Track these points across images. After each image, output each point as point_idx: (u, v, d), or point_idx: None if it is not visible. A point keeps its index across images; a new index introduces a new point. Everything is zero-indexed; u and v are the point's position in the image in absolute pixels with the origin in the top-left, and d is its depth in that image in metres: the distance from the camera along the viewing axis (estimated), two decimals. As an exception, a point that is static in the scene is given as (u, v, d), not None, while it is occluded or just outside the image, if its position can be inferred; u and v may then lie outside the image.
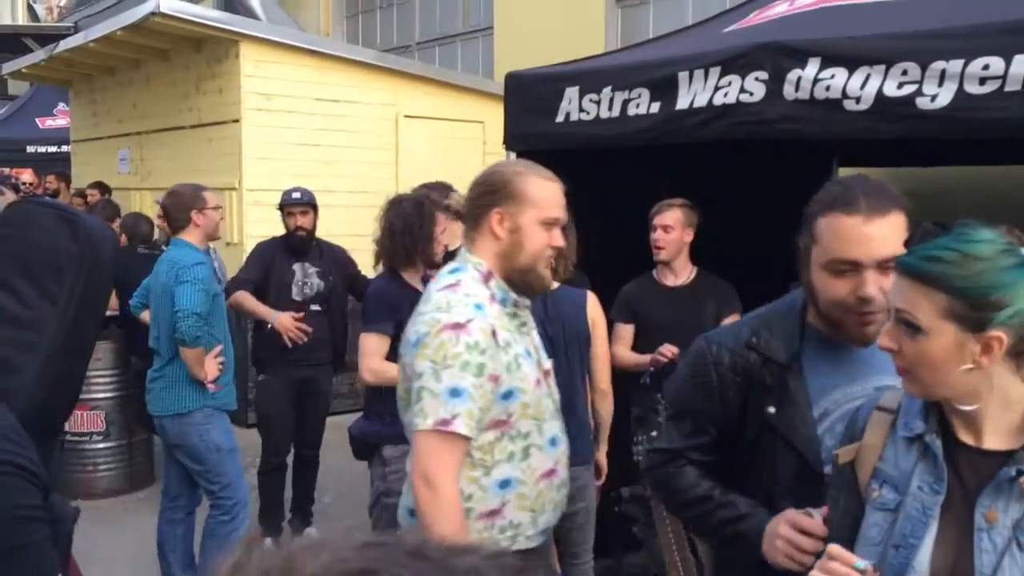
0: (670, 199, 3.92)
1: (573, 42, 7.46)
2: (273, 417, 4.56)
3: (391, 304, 3.44)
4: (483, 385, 1.92)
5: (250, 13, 9.82)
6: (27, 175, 11.58)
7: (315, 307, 4.59)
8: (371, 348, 3.36)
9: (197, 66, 6.81)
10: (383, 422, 3.44)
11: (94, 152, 8.81)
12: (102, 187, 8.00)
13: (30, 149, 12.11)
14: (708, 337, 1.94)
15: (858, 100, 2.90)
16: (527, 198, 2.03)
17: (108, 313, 5.43)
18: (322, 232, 6.37)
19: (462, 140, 7.38)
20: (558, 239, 2.08)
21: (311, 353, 4.50)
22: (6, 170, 11.88)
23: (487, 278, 2.04)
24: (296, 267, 4.61)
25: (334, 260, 4.78)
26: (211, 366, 3.70)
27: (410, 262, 3.57)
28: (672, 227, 3.88)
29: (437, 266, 3.57)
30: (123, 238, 5.30)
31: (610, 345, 3.47)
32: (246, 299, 4.41)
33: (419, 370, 1.92)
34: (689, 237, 3.86)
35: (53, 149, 11.77)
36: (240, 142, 6.36)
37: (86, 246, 1.44)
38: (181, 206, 3.80)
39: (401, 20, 10.76)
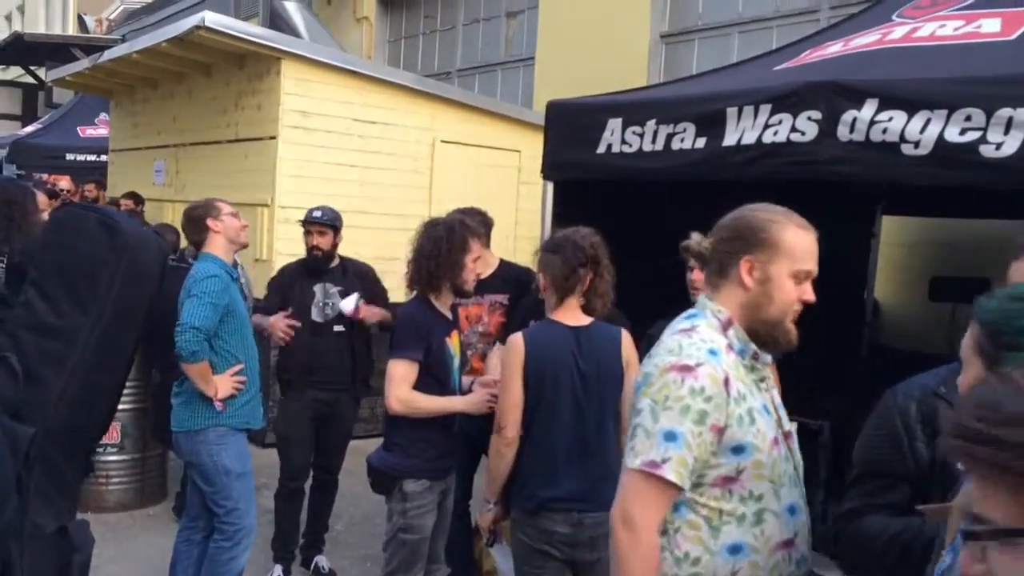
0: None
1: (616, 76, 7.39)
2: (292, 440, 4.45)
3: (420, 330, 3.33)
4: (702, 434, 1.79)
5: (294, 32, 9.91)
6: (64, 182, 11.64)
7: (338, 328, 4.49)
8: (399, 375, 3.25)
9: (238, 82, 6.82)
10: (405, 453, 3.33)
11: (130, 162, 8.85)
12: (136, 197, 8.01)
13: (69, 157, 12.21)
14: (894, 388, 1.86)
15: (916, 144, 2.78)
16: (781, 247, 1.90)
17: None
18: (353, 254, 6.32)
19: (498, 168, 7.31)
20: (809, 293, 1.93)
21: (333, 375, 4.40)
22: (44, 176, 12.00)
23: (726, 326, 1.92)
24: (317, 288, 4.51)
25: (358, 278, 4.68)
26: (225, 384, 3.59)
27: (436, 287, 3.47)
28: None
29: (467, 295, 3.49)
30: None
31: None
32: (253, 318, 4.30)
33: (639, 407, 1.85)
34: None
35: (92, 158, 11.86)
36: (275, 159, 6.33)
37: (123, 253, 1.35)
38: (194, 220, 3.74)
39: (443, 47, 10.79)
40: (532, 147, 7.35)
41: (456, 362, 3.43)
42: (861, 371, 5.45)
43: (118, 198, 8.37)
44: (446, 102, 7.03)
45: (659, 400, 1.81)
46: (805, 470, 4.73)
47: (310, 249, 4.51)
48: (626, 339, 3.04)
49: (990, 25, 3.09)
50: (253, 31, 6.49)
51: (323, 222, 4.57)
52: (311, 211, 4.62)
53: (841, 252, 5.50)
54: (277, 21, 10.49)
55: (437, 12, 10.86)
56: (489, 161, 7.27)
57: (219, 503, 3.62)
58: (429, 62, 10.95)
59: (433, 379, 3.34)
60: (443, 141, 6.98)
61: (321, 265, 4.51)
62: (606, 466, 2.81)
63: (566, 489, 2.86)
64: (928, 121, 2.75)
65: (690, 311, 2.00)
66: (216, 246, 3.71)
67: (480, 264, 3.49)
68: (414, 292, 3.47)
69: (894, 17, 3.53)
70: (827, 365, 5.03)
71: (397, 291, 6.37)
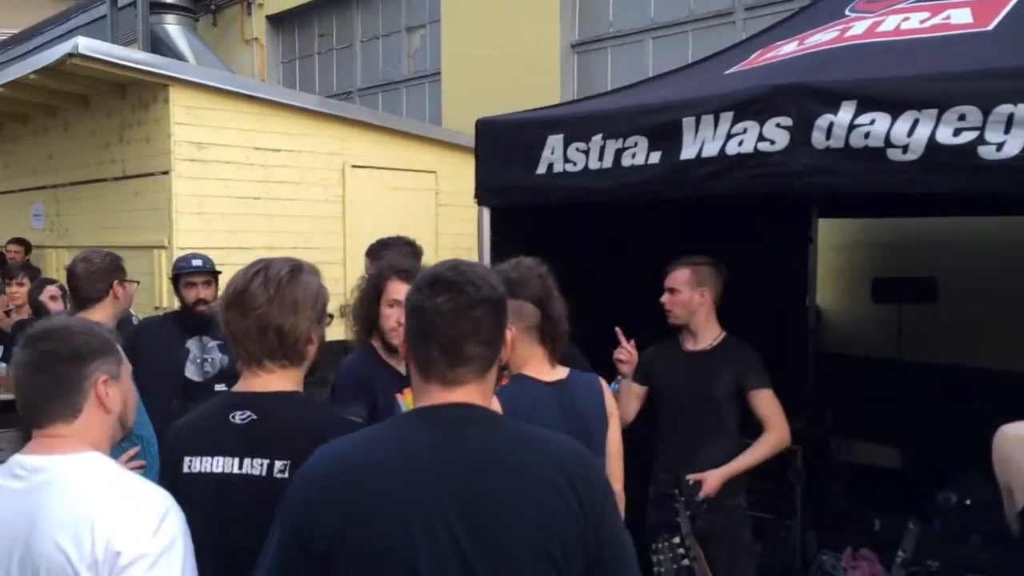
0: (683, 257, 3.49)
1: (527, 88, 7.11)
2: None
3: (360, 383, 2.94)
4: None
5: (179, 57, 9.25)
6: (-69, 231, 10.65)
7: (220, 386, 3.93)
8: None
9: (121, 113, 6.19)
10: None
11: (5, 206, 8.04)
12: (25, 244, 7.27)
13: (-64, 202, 11.18)
14: None
15: (905, 149, 2.52)
16: None
17: (5, 397, 4.75)
18: (263, 294, 5.83)
19: (414, 191, 6.88)
20: None
21: None
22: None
23: None
24: (191, 343, 3.98)
25: None
26: None
27: (377, 338, 3.06)
28: (679, 289, 3.46)
29: (393, 348, 2.96)
30: (28, 310, 4.64)
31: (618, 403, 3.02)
32: None
33: None
34: (703, 299, 3.43)
35: (-38, 202, 10.87)
36: (170, 195, 5.74)
37: None
38: (95, 275, 3.20)
39: (341, 66, 10.29)
40: (448, 166, 6.98)
41: None
42: (810, 382, 5.26)
43: (2, 245, 7.60)
44: (354, 124, 6.57)
45: None
46: (777, 499, 4.39)
47: (193, 303, 3.97)
48: (605, 388, 2.68)
49: (960, 16, 2.87)
50: (135, 56, 5.89)
51: (207, 270, 4.05)
52: (188, 259, 4.06)
53: (779, 259, 5.35)
54: (159, 46, 9.79)
55: (332, 29, 10.36)
56: (404, 184, 6.84)
57: None
58: (327, 82, 10.43)
59: None
60: (354, 166, 6.52)
61: (206, 321, 3.97)
62: None
63: None
64: (916, 122, 2.48)
65: None
66: (101, 314, 3.17)
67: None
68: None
69: (847, 12, 3.30)
70: (776, 379, 4.82)
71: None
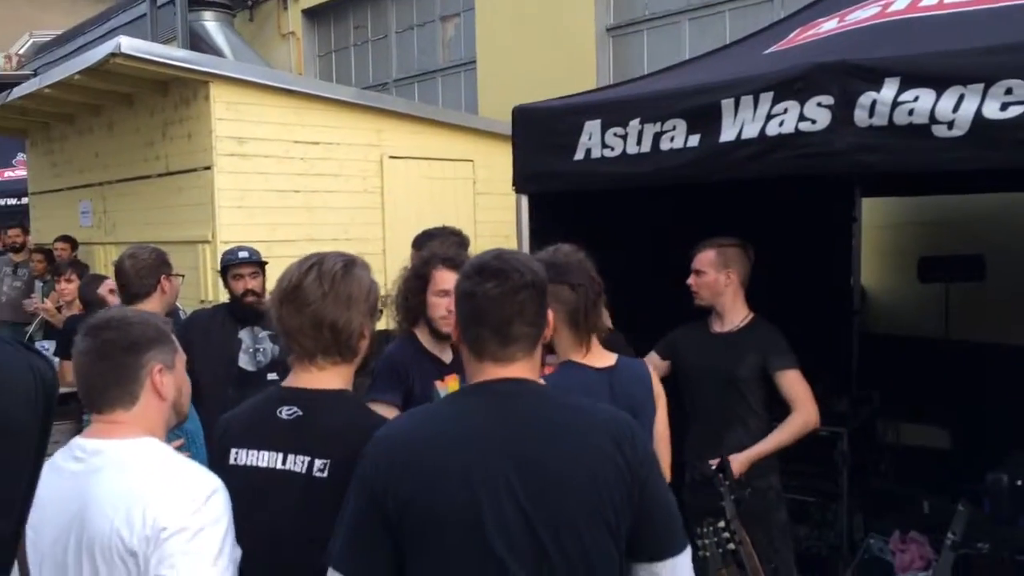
0: (710, 239, 3.48)
1: (563, 74, 7.08)
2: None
3: (396, 370, 2.97)
4: None
5: (218, 53, 9.36)
6: (-16, 231, 10.94)
7: (272, 376, 4.03)
8: None
9: (163, 110, 6.30)
10: None
11: (53, 204, 8.23)
12: (71, 241, 7.43)
13: (-12, 202, 11.50)
14: None
15: (951, 125, 2.47)
16: None
17: (69, 390, 4.87)
18: (305, 286, 5.88)
19: (451, 180, 6.91)
20: None
21: None
22: (-38, 226, 11.24)
23: None
24: (243, 333, 4.05)
25: None
26: None
27: (420, 326, 3.09)
28: (704, 271, 3.46)
29: (444, 337, 2.98)
30: (79, 305, 4.75)
31: None
32: None
33: None
34: (730, 280, 3.43)
35: (13, 201, 11.16)
36: (212, 190, 5.83)
37: None
38: (143, 270, 3.27)
39: (377, 57, 10.34)
40: (485, 155, 6.99)
41: None
42: (855, 363, 5.20)
43: (46, 244, 7.78)
44: (391, 115, 6.60)
45: None
46: (823, 482, 4.32)
47: (242, 295, 4.04)
48: (653, 373, 2.69)
49: (1003, -13, 2.80)
50: (176, 54, 5.98)
51: (252, 261, 4.12)
52: (234, 252, 4.14)
53: (822, 241, 5.29)
54: (197, 43, 9.92)
55: (367, 21, 10.41)
56: (442, 174, 6.86)
57: None
58: (363, 74, 10.49)
59: None
60: (391, 157, 6.55)
61: (255, 311, 4.04)
62: None
63: None
64: (961, 98, 2.44)
65: None
66: (149, 308, 3.25)
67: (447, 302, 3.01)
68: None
69: (888, -13, 3.23)
70: (820, 361, 4.77)
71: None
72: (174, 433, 3.16)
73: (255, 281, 4.04)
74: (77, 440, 1.76)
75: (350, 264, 1.90)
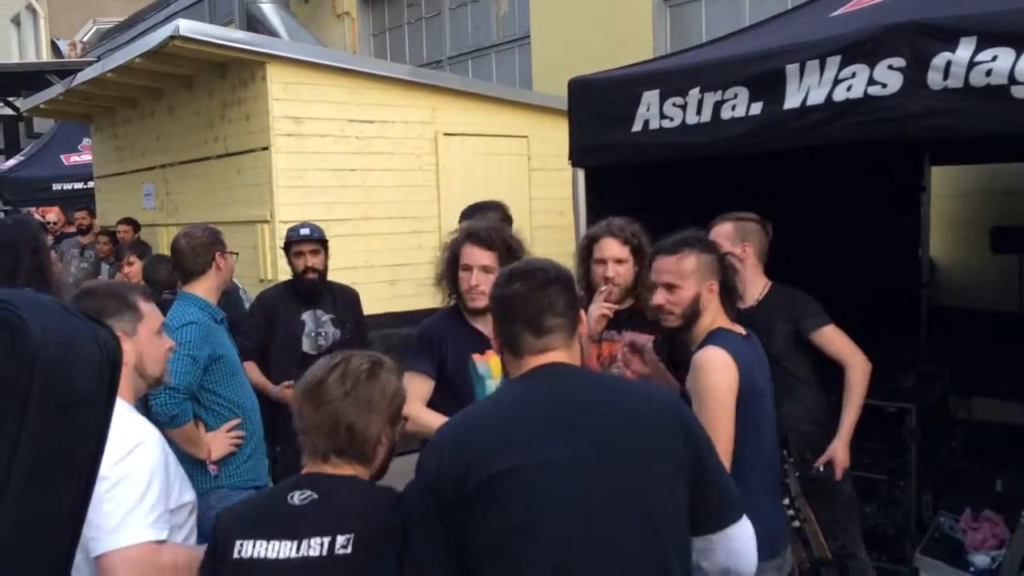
0: (726, 213, 3.39)
1: (619, 47, 6.96)
2: None
3: (429, 341, 3.03)
4: None
5: (273, 34, 9.44)
6: (52, 214, 11.26)
7: None
8: (407, 389, 2.99)
9: (222, 92, 6.37)
10: None
11: (118, 188, 8.42)
12: (133, 223, 7.60)
13: (56, 187, 11.80)
14: None
15: (1031, 85, 2.34)
16: None
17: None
18: (363, 263, 5.90)
19: (506, 156, 6.87)
20: None
21: None
22: (32, 209, 11.59)
23: None
24: (306, 316, 4.06)
25: (348, 305, 4.22)
26: (219, 444, 3.17)
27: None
28: (720, 244, 3.34)
29: (474, 312, 2.99)
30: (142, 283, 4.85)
31: None
32: (250, 373, 3.78)
33: None
34: (745, 254, 3.29)
35: (79, 186, 11.44)
36: (271, 170, 5.89)
37: (34, 369, 0.88)
38: (196, 249, 3.31)
39: (431, 35, 10.32)
40: (540, 131, 6.93)
41: (488, 384, 2.98)
42: (923, 338, 5.03)
43: (111, 227, 7.97)
44: (445, 92, 6.57)
45: None
46: (891, 459, 4.17)
47: (303, 271, 4.05)
48: None
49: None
50: (233, 36, 6.03)
51: (314, 239, 4.13)
52: (297, 229, 4.15)
53: (890, 211, 5.12)
54: (254, 25, 10.01)
55: (421, -1, 10.39)
56: (496, 150, 6.82)
57: None
58: (417, 52, 10.48)
59: (454, 398, 2.97)
60: (446, 134, 6.54)
61: (316, 289, 4.06)
62: None
63: (780, 533, 2.53)
64: (1044, 56, 2.32)
65: None
66: (205, 286, 3.29)
67: (480, 276, 2.93)
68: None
69: (962, -57, 3.08)
70: (887, 336, 4.63)
71: (411, 299, 6.04)
72: (228, 409, 3.23)
73: (316, 258, 4.06)
74: None
75: (376, 366, 1.83)
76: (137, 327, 2.01)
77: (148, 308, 2.09)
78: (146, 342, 2.03)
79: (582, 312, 1.90)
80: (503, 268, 2.01)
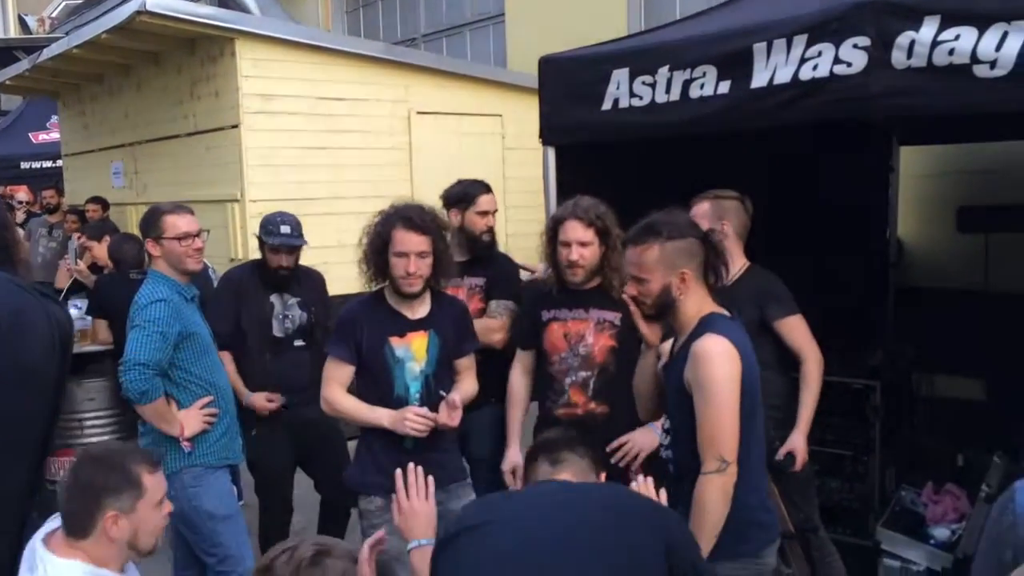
0: (706, 191, 3.39)
1: (594, 27, 6.92)
2: (270, 481, 4.01)
3: (346, 327, 3.05)
4: None
5: (243, 9, 9.32)
6: (22, 192, 11.07)
7: (299, 343, 4.04)
8: (326, 374, 3.05)
9: (191, 68, 6.29)
10: (360, 466, 3.07)
11: (86, 165, 8.31)
12: (102, 202, 7.50)
13: (24, 165, 11.63)
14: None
15: (993, 64, 2.37)
16: None
17: (101, 348, 4.94)
18: (334, 244, 5.86)
19: (480, 135, 6.85)
20: None
21: (303, 395, 3.82)
22: (1, 188, 11.40)
23: None
24: (274, 299, 4.01)
25: (313, 288, 4.18)
26: (192, 421, 3.15)
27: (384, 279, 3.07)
28: (699, 223, 3.33)
29: (405, 296, 2.98)
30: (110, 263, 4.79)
31: None
32: (227, 368, 3.73)
33: None
34: (723, 231, 3.22)
35: (48, 164, 11.28)
36: (240, 149, 5.84)
37: None
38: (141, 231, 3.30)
39: (404, 12, 10.23)
40: (514, 110, 6.90)
41: (408, 367, 3.00)
42: (889, 317, 5.10)
43: (80, 206, 7.86)
44: (419, 70, 6.54)
45: None
46: (855, 435, 4.17)
47: (276, 268, 4.00)
48: None
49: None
50: (201, 11, 5.95)
51: (295, 247, 4.02)
52: (278, 227, 3.96)
53: (858, 191, 5.16)
54: (227, 0, 9.88)
55: (394, -25, 10.29)
56: (470, 129, 6.80)
57: (208, 551, 3.20)
58: (391, 30, 10.39)
59: (373, 382, 3.01)
60: (419, 112, 6.51)
61: (285, 282, 4.03)
62: None
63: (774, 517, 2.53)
64: (1005, 35, 2.34)
65: None
66: (162, 266, 3.26)
67: (418, 262, 2.92)
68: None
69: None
70: (855, 314, 4.68)
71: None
72: (199, 387, 3.21)
73: (291, 258, 4.00)
74: (39, 546, 1.99)
75: (322, 554, 1.77)
76: (136, 504, 2.02)
77: (152, 481, 2.07)
78: (143, 518, 2.04)
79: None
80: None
